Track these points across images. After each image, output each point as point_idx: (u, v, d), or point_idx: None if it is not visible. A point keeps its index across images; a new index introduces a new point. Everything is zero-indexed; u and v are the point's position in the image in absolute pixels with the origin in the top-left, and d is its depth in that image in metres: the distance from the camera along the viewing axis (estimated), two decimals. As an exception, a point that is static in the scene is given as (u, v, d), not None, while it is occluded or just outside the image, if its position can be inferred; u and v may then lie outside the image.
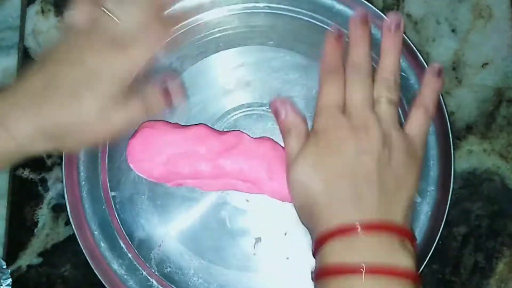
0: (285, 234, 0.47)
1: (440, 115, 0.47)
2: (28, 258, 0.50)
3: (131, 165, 0.44)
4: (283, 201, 0.44)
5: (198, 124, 0.46)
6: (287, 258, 0.47)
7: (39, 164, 0.50)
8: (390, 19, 0.42)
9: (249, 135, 0.45)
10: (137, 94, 0.38)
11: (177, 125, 0.46)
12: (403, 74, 0.48)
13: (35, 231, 0.50)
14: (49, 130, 0.34)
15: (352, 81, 0.39)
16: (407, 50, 0.48)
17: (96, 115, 0.35)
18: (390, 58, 0.40)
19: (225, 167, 0.43)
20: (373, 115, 0.37)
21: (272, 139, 0.46)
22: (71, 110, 0.34)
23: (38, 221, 0.50)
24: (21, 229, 0.50)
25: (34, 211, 0.50)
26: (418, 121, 0.40)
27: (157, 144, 0.44)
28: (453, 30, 0.52)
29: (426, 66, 0.47)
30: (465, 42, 0.52)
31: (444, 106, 0.46)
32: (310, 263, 0.46)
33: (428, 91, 0.41)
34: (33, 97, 0.34)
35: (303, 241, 0.47)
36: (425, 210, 0.47)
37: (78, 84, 0.34)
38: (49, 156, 0.50)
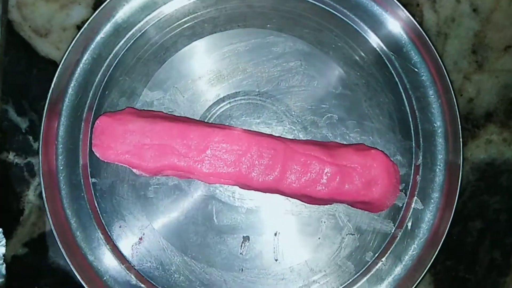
0: (275, 234, 0.44)
1: (451, 115, 0.43)
2: (13, 248, 0.46)
3: (94, 151, 0.42)
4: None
5: (159, 112, 0.43)
6: (276, 260, 0.44)
7: (25, 147, 0.46)
8: None
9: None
10: None
11: (143, 113, 0.43)
12: (415, 69, 0.44)
13: (20, 219, 0.46)
14: None
15: None
16: (420, 42, 0.44)
17: None
18: None
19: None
20: None
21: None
22: None
23: (24, 209, 0.46)
24: (5, 217, 0.46)
25: (19, 198, 0.46)
26: None
27: (117, 133, 0.41)
28: (474, 10, 0.48)
29: (440, 60, 0.43)
30: (488, 23, 0.48)
31: (457, 107, 0.43)
32: (300, 266, 0.44)
33: None
34: None
35: (294, 243, 0.44)
36: (426, 218, 0.44)
37: None
38: (36, 138, 0.46)
